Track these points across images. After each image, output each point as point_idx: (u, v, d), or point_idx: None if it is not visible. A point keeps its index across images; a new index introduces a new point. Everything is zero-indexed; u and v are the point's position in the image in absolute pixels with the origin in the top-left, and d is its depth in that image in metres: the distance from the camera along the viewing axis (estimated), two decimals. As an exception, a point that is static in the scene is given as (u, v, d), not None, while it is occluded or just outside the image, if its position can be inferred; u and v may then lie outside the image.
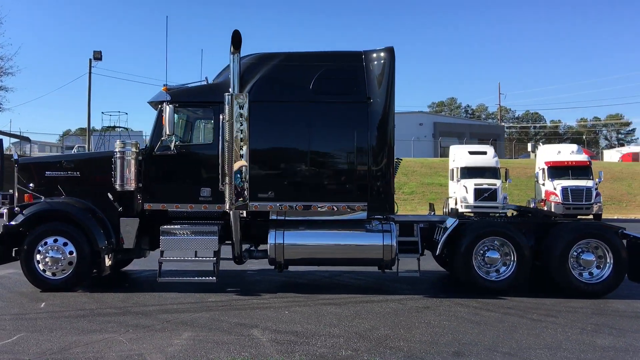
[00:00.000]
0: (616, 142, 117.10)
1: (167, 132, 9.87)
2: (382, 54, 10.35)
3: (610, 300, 9.81)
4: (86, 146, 53.21)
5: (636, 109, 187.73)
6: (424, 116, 69.11)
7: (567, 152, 32.97)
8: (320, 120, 10.24)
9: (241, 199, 9.89)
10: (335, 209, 10.21)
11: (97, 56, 40.28)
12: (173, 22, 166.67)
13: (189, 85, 10.86)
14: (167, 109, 9.84)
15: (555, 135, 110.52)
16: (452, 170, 31.97)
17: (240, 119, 9.80)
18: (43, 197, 10.47)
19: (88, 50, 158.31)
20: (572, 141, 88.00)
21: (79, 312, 8.67)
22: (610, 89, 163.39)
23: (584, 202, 29.66)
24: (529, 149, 66.91)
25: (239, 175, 9.81)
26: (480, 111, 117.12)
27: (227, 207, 9.95)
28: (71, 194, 10.60)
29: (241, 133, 9.81)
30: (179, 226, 10.29)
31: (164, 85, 10.71)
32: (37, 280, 10.20)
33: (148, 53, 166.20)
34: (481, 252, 10.15)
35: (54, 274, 10.16)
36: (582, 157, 33.01)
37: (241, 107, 9.82)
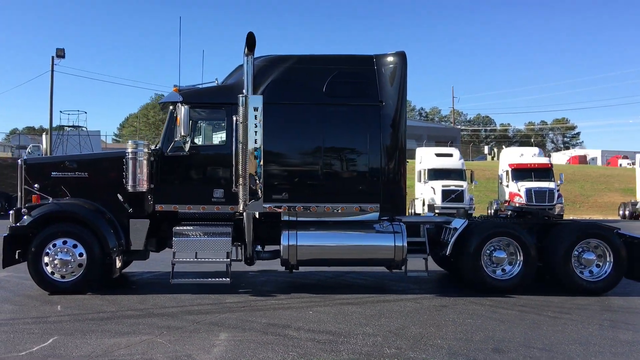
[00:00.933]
0: (562, 145, 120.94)
1: (183, 133, 9.83)
2: (393, 58, 10.55)
3: (611, 297, 10.25)
4: (41, 146, 51.84)
5: (581, 114, 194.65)
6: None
7: (529, 155, 34.06)
8: (334, 123, 10.38)
9: (255, 200, 9.94)
10: (348, 210, 10.36)
11: (60, 54, 39.19)
12: (152, 23, 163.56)
13: (200, 87, 10.82)
14: (183, 110, 9.79)
15: (504, 138, 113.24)
16: (420, 172, 32.55)
17: (255, 120, 9.85)
18: (51, 198, 10.27)
19: (35, 50, 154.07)
20: (521, 144, 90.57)
21: (101, 314, 8.56)
22: (556, 94, 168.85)
23: (546, 203, 30.64)
24: (486, 151, 68.53)
25: (255, 177, 9.86)
26: (433, 114, 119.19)
27: (241, 209, 9.98)
28: (78, 195, 10.43)
29: (256, 135, 9.86)
30: (191, 227, 10.26)
31: (175, 86, 10.65)
32: (45, 282, 10.00)
33: (111, 52, 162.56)
34: (488, 252, 10.45)
35: (62, 277, 9.99)
36: (544, 160, 34.17)
37: (256, 109, 9.87)
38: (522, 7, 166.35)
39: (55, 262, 9.93)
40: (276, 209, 10.29)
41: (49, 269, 9.96)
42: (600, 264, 10.55)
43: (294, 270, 11.02)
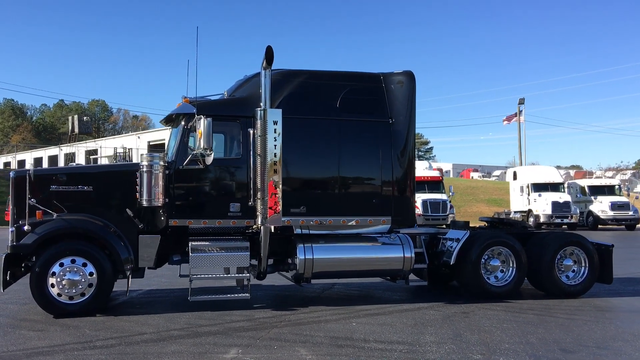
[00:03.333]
0: (417, 159, 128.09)
1: (205, 146, 9.52)
2: (401, 77, 10.99)
3: (589, 299, 11.30)
4: None
5: (433, 131, 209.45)
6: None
7: (422, 168, 36.00)
8: (348, 138, 10.60)
9: (274, 213, 9.90)
10: (362, 222, 10.62)
11: None
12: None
13: (212, 98, 10.58)
14: (205, 122, 9.48)
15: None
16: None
17: (274, 134, 9.84)
18: (55, 214, 9.54)
19: None
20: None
21: (145, 336, 8.12)
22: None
23: (440, 214, 32.68)
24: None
25: (275, 191, 9.83)
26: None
27: (260, 222, 9.90)
28: (81, 210, 9.81)
29: (275, 148, 9.85)
30: (208, 242, 9.99)
31: (184, 96, 10.33)
32: (52, 305, 9.27)
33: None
34: (483, 260, 11.15)
35: (71, 298, 9.31)
36: (435, 173, 36.37)
37: (275, 122, 9.87)
38: (382, 32, 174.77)
39: (63, 282, 9.24)
40: (294, 222, 10.30)
41: (55, 291, 9.24)
42: (576, 269, 11.64)
43: (274, 284, 11.04)
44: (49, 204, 9.59)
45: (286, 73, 10.62)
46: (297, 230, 10.51)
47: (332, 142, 10.54)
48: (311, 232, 10.53)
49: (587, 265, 11.58)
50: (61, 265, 9.27)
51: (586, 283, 11.56)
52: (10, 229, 9.40)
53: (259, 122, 9.85)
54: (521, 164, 51.28)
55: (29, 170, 9.52)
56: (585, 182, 40.99)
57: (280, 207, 9.86)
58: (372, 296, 11.66)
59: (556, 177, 38.81)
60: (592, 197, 38.37)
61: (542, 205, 36.47)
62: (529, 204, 37.75)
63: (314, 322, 9.05)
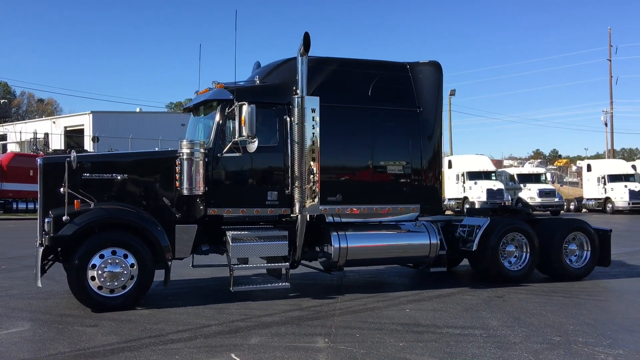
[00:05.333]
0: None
1: (248, 133, 9.30)
2: (428, 67, 11.14)
3: (595, 281, 11.98)
4: None
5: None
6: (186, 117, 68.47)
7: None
8: (380, 126, 10.66)
9: (313, 202, 9.84)
10: (394, 210, 10.74)
11: None
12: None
13: (242, 84, 10.30)
14: (249, 109, 9.23)
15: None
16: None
17: (312, 122, 9.78)
18: (92, 203, 9.05)
19: None
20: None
21: (212, 328, 7.89)
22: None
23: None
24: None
25: (313, 179, 9.77)
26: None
27: (298, 210, 9.81)
28: (116, 199, 9.41)
29: (313, 136, 9.79)
30: (247, 232, 9.79)
31: (217, 82, 10.02)
32: (92, 299, 8.82)
33: None
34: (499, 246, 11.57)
35: (111, 291, 8.89)
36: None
37: (313, 110, 9.80)
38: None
39: (105, 275, 8.80)
40: (331, 210, 10.28)
41: (95, 284, 8.79)
42: (578, 254, 12.28)
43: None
44: (84, 192, 9.07)
45: (318, 60, 10.50)
46: (329, 219, 10.49)
47: (366, 131, 10.57)
48: (343, 220, 10.54)
49: (590, 249, 12.24)
50: (101, 257, 8.82)
51: (589, 266, 12.22)
52: (46, 220, 8.83)
53: (296, 110, 9.74)
54: (451, 154, 53.08)
55: (68, 157, 8.92)
56: (514, 171, 43.05)
57: (318, 196, 9.82)
58: (391, 283, 11.85)
59: (489, 165, 40.50)
60: (522, 185, 40.32)
61: (477, 193, 37.93)
62: (464, 191, 39.16)
63: (367, 310, 9.08)
